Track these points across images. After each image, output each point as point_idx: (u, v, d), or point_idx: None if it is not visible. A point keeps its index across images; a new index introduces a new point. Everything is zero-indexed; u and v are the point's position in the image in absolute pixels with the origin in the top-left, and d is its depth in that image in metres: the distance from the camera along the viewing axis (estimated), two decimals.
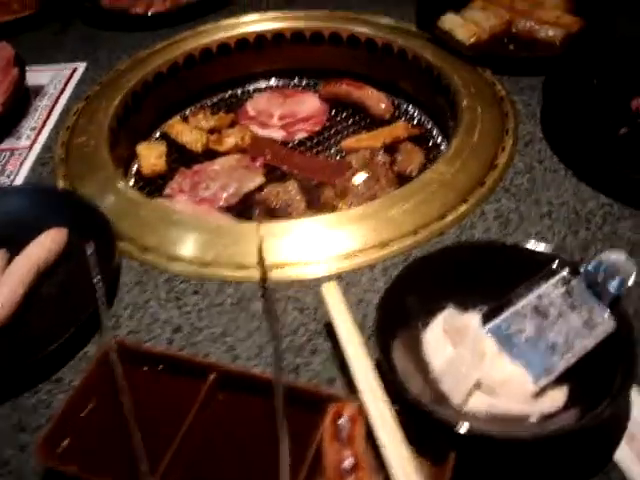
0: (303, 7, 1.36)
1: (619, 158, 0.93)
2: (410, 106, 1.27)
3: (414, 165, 1.10)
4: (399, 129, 1.17)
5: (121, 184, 0.99)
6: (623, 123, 0.99)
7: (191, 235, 0.90)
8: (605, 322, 0.65)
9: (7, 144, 1.12)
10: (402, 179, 1.08)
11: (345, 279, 0.83)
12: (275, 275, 0.83)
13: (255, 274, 0.83)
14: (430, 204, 0.90)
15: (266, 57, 1.34)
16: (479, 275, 0.71)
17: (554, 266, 0.68)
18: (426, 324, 0.70)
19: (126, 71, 1.24)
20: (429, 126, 1.22)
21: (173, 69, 1.26)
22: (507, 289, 0.68)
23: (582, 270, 0.67)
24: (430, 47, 1.20)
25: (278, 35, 1.32)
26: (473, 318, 0.69)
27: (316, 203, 1.07)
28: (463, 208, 0.90)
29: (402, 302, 0.70)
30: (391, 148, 1.15)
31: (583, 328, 0.65)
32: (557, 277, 0.68)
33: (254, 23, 1.33)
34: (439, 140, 1.19)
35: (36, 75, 1.28)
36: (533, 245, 0.82)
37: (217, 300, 0.82)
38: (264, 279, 0.73)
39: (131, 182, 1.15)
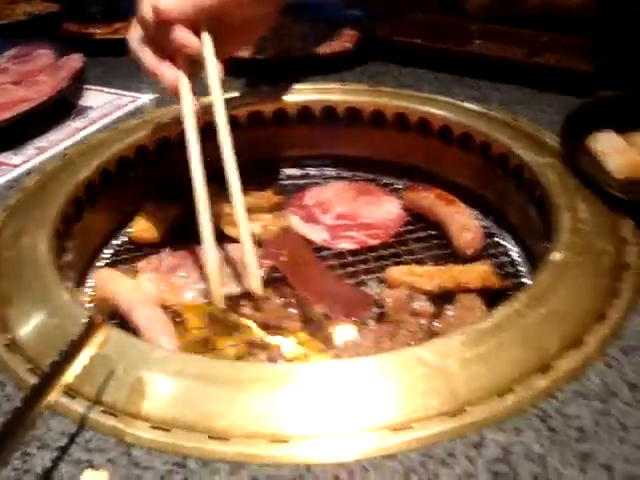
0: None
1: None
2: (512, 242, 0.88)
3: None
4: (472, 275, 0.77)
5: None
6: None
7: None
8: None
9: (2, 157, 0.93)
10: None
11: (383, 470, 0.47)
12: (267, 454, 0.49)
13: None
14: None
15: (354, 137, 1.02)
16: None
17: None
18: None
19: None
20: (524, 277, 0.81)
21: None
22: None
23: None
24: (559, 171, 0.79)
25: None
26: None
27: None
28: None
29: None
30: (450, 296, 0.76)
31: None
32: None
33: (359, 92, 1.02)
34: None
35: (94, 95, 1.12)
36: None
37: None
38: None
39: (117, 242, 0.92)
